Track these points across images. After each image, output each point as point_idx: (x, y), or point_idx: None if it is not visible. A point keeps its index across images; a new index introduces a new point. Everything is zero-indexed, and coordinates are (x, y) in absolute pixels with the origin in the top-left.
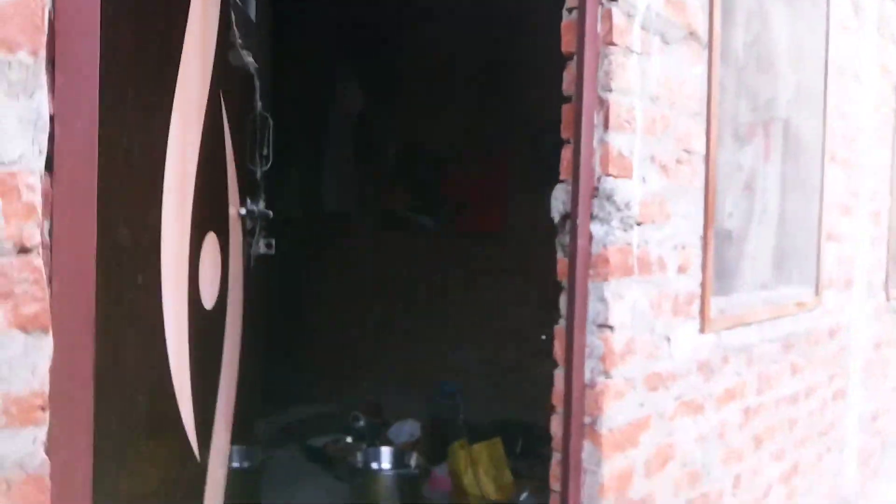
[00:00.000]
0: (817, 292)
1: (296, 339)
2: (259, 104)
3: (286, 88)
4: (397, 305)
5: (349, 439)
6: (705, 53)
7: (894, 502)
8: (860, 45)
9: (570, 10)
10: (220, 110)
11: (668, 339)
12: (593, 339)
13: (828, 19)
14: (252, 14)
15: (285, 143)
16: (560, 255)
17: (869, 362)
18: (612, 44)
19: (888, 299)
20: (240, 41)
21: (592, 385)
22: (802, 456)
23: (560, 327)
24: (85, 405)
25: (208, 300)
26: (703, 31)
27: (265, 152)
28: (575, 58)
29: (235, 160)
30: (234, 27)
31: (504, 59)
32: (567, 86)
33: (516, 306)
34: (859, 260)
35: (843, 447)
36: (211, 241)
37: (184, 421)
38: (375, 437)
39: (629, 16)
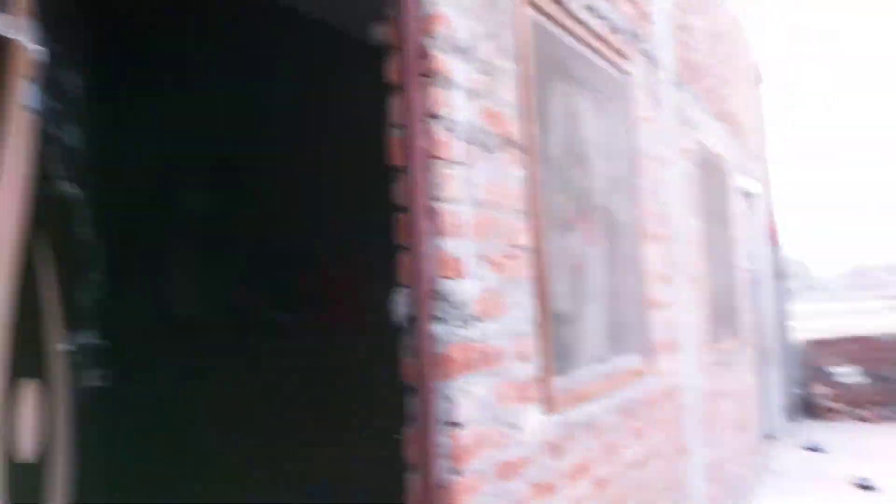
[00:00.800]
0: (649, 358)
1: (147, 464)
2: (86, 231)
3: (123, 204)
4: (258, 409)
5: None
6: (524, 156)
7: None
8: (662, 131)
9: (396, 127)
10: (38, 246)
11: (516, 426)
12: (443, 439)
13: (629, 113)
14: (75, 141)
15: (128, 259)
16: (407, 356)
17: (705, 414)
18: (437, 157)
19: (717, 353)
20: (60, 172)
21: (446, 485)
22: None
23: (411, 430)
24: None
25: (30, 452)
26: (519, 137)
27: (95, 278)
28: (404, 171)
29: (59, 294)
30: (53, 159)
31: (349, 159)
32: (400, 196)
33: (383, 398)
34: (684, 323)
35: (693, 499)
36: (30, 388)
37: None
38: None
39: (450, 130)
